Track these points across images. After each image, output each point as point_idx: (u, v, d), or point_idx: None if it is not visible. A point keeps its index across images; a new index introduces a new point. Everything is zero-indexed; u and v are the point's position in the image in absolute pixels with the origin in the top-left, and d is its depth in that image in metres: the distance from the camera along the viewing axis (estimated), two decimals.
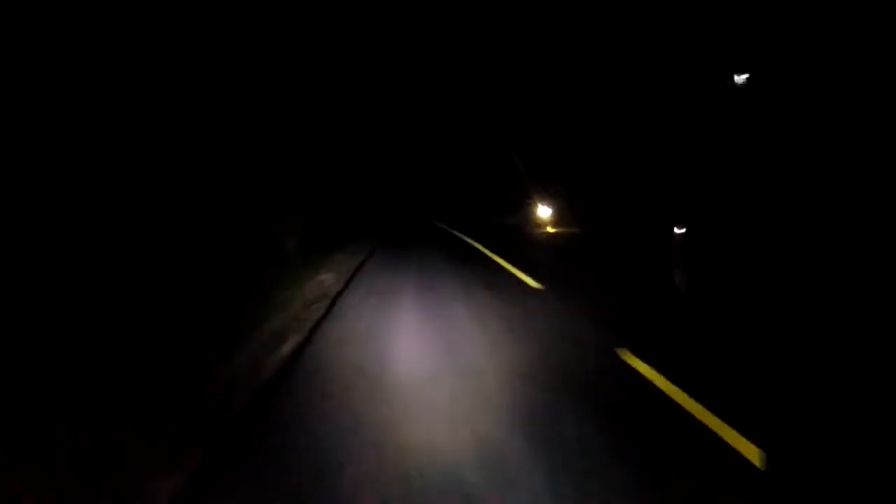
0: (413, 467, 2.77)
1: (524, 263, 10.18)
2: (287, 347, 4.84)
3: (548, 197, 19.68)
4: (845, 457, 2.93)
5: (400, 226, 22.92)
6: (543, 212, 18.21)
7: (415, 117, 36.82)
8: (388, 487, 2.59)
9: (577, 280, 8.97)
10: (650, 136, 18.39)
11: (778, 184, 10.33)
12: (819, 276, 7.21)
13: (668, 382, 3.90)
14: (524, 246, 14.40)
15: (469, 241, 15.72)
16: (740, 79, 15.18)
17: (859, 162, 9.44)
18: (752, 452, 2.90)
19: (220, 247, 9.04)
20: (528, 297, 7.39)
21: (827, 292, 6.63)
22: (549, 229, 17.76)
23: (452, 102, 34.57)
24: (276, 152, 12.38)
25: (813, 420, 3.38)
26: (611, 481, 2.63)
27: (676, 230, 8.20)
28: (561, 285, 8.16)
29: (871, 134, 9.51)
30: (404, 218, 27.75)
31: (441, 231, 20.37)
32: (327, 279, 9.27)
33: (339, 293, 8.22)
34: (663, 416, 3.39)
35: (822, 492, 2.61)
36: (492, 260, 11.25)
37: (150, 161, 8.31)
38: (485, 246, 13.82)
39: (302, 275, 9.71)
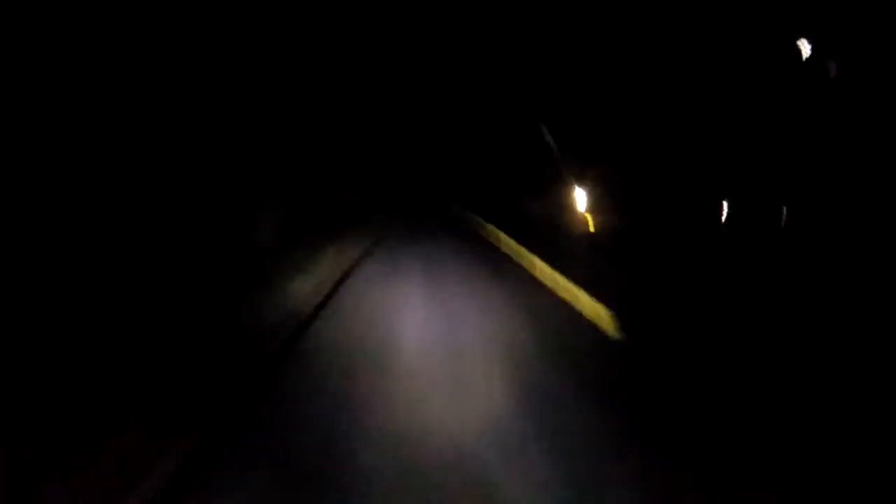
0: None
1: (577, 273, 7.41)
2: None
3: (588, 180, 16.65)
4: None
5: (410, 210, 19.90)
6: (583, 198, 15.24)
7: (426, 83, 33.46)
8: None
9: (662, 308, 6.16)
10: (691, 117, 16.03)
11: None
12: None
13: None
14: (567, 243, 11.53)
15: (496, 234, 12.92)
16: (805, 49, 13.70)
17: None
18: None
19: (149, 246, 6.46)
20: (606, 355, 4.66)
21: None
22: (593, 219, 14.82)
23: (470, 68, 31.21)
24: (248, 116, 9.66)
25: None
26: None
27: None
28: (647, 322, 5.39)
29: None
30: (416, 199, 24.79)
31: (459, 218, 17.52)
32: (302, 289, 6.67)
33: (310, 318, 5.59)
34: None
35: None
36: (530, 263, 8.48)
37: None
38: (517, 241, 11.03)
39: (271, 279, 7.13)
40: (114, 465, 2.84)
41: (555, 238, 11.86)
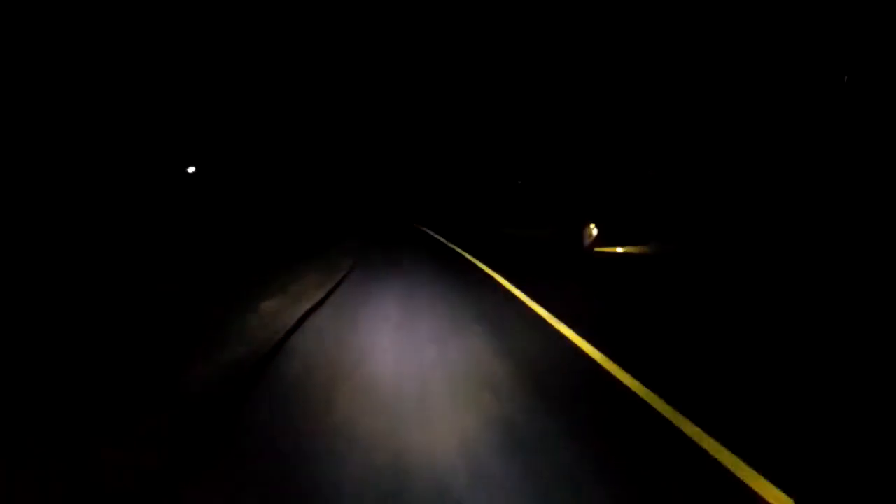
0: None
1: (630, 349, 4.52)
2: None
3: (593, 206, 14.21)
4: None
5: (386, 243, 16.70)
6: (592, 228, 12.52)
7: (414, 108, 30.93)
8: None
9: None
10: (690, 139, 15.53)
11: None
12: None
13: None
14: (584, 286, 8.64)
15: (491, 272, 9.99)
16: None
17: None
18: None
19: None
20: None
21: None
22: (609, 249, 12.14)
23: (461, 94, 28.79)
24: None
25: None
26: None
27: None
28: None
29: None
30: (393, 231, 21.63)
31: (444, 250, 14.54)
32: (201, 378, 3.55)
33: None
34: None
35: None
36: (557, 333, 5.51)
37: None
38: (519, 287, 8.08)
39: (158, 366, 4.02)
40: None
41: (570, 280, 8.96)
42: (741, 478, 2.62)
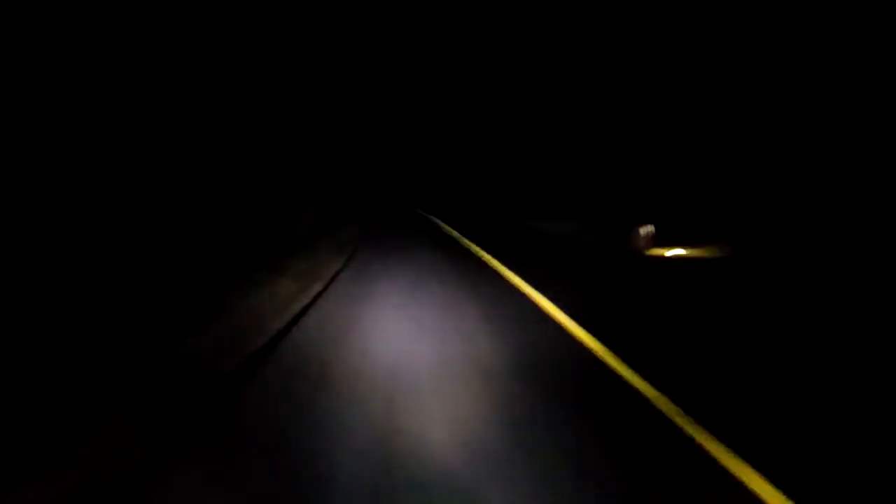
0: None
1: None
2: None
3: (636, 194, 11.91)
4: None
5: (394, 235, 14.01)
6: (648, 227, 10.05)
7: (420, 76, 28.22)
8: None
9: None
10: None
11: None
12: None
13: None
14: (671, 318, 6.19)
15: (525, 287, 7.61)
16: None
17: None
18: None
19: None
20: None
21: None
22: (664, 251, 9.82)
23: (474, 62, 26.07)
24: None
25: None
26: None
27: None
28: None
29: None
30: (397, 217, 19.04)
31: (465, 256, 12.08)
32: None
33: None
34: None
35: None
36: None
37: None
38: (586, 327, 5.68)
39: None
40: None
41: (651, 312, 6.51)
42: None
